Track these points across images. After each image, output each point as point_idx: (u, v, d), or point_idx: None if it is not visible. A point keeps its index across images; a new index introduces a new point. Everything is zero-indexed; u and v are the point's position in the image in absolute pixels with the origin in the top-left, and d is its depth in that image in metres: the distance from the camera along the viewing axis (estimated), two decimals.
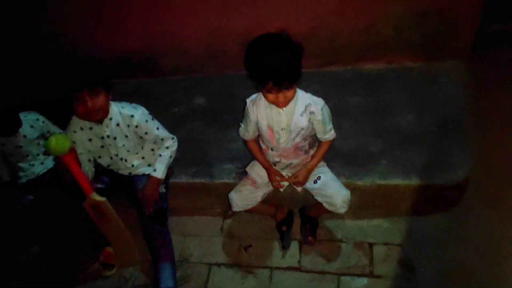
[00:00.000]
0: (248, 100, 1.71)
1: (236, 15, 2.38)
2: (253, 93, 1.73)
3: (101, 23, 2.61)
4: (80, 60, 2.67)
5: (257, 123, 1.70)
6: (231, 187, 1.94)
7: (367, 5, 2.23)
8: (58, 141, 1.62)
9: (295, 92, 1.54)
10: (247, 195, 1.86)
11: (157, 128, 1.88)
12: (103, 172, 1.97)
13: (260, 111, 1.67)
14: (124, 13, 2.55)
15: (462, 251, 1.79)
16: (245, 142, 1.86)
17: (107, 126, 1.79)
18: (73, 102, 1.64)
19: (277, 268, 1.94)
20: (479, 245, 1.79)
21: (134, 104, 1.88)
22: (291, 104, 1.60)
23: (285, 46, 1.43)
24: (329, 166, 1.88)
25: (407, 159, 1.97)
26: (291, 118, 1.62)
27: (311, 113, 1.62)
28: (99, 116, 1.72)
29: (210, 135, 2.35)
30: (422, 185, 1.88)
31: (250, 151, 1.85)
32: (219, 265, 2.01)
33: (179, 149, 2.15)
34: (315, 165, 1.78)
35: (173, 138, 1.95)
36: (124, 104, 1.85)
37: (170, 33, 2.60)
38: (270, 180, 1.81)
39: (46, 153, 2.11)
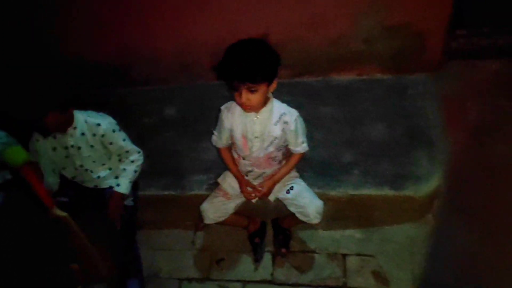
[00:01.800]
0: (223, 107, 1.69)
1: (208, 26, 2.36)
2: (225, 102, 1.70)
3: (70, 31, 2.53)
4: (47, 67, 2.58)
5: (231, 131, 1.68)
6: (202, 198, 1.89)
7: (337, 18, 2.26)
8: (11, 153, 1.58)
9: (260, 98, 1.50)
10: (219, 207, 1.82)
11: (123, 140, 1.81)
12: (67, 185, 1.88)
13: (235, 119, 1.64)
14: (93, 22, 2.49)
15: (434, 261, 1.81)
16: (218, 150, 1.82)
17: (71, 136, 1.72)
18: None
19: (250, 281, 1.91)
20: (449, 255, 1.81)
21: (101, 113, 1.82)
22: (266, 112, 1.59)
23: (257, 46, 1.43)
24: (301, 176, 1.88)
25: (378, 169, 1.99)
26: (265, 127, 1.61)
27: (285, 122, 1.61)
28: (67, 126, 1.70)
29: (182, 146, 2.30)
30: (394, 196, 1.91)
31: (223, 160, 1.81)
32: (190, 280, 1.96)
33: (149, 161, 2.09)
34: (282, 177, 1.76)
35: (139, 152, 1.88)
36: (91, 113, 1.79)
37: (141, 43, 2.55)
38: (242, 191, 1.78)
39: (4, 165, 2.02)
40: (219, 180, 1.88)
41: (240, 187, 1.79)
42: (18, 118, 1.58)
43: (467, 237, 1.81)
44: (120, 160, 1.88)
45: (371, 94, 2.34)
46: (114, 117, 1.84)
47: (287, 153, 1.77)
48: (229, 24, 2.30)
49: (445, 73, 2.36)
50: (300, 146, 1.69)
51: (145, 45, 2.55)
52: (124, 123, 1.89)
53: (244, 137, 1.66)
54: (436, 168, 1.97)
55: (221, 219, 1.84)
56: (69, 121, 1.70)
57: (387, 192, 1.91)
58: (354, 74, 2.44)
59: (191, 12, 2.34)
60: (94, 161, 1.81)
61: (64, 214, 1.68)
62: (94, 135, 1.75)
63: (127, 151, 1.85)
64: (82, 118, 1.74)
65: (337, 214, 1.98)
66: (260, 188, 1.75)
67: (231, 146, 1.79)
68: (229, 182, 1.85)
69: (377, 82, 2.40)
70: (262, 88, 1.47)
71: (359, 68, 2.43)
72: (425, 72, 2.37)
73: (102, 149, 1.80)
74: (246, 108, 1.53)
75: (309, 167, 2.00)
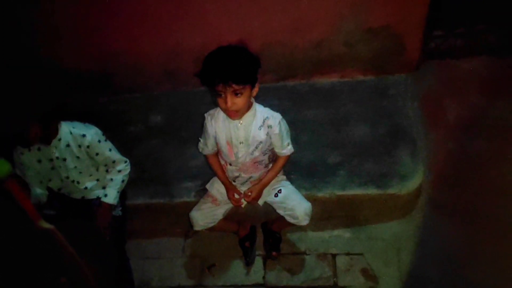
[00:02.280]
0: (206, 114, 1.70)
1: (191, 32, 2.36)
2: (211, 109, 1.71)
3: (52, 38, 2.50)
4: (28, 76, 2.54)
5: (215, 138, 1.69)
6: (191, 206, 1.89)
7: (318, 22, 2.30)
8: None
9: (245, 102, 1.51)
10: (208, 213, 1.83)
11: (109, 150, 1.80)
12: (54, 197, 1.86)
13: (219, 125, 1.65)
14: (76, 29, 2.46)
15: (419, 257, 1.86)
16: (205, 157, 1.83)
17: (56, 147, 1.70)
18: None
19: (242, 285, 1.92)
20: (434, 250, 1.86)
21: (87, 124, 1.81)
22: (249, 117, 1.60)
23: (237, 50, 1.46)
24: (289, 179, 1.90)
25: (363, 169, 2.03)
26: (249, 132, 1.62)
27: (269, 126, 1.63)
28: (51, 138, 1.68)
29: (169, 153, 2.30)
30: (379, 194, 1.95)
31: (210, 167, 1.82)
32: (182, 287, 1.95)
33: (136, 169, 2.09)
34: (270, 181, 1.78)
35: (125, 162, 1.87)
36: (76, 124, 1.77)
37: (124, 50, 2.53)
38: (229, 197, 1.79)
39: None
40: (207, 186, 1.89)
41: (227, 194, 1.80)
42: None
43: (450, 232, 1.87)
44: (107, 171, 1.87)
45: (354, 96, 2.39)
46: (98, 126, 1.83)
47: (273, 157, 1.79)
48: (213, 30, 2.31)
49: (423, 72, 2.42)
50: (286, 148, 1.71)
51: (129, 52, 2.53)
52: (109, 132, 1.87)
53: (229, 143, 1.67)
54: (419, 165, 2.02)
55: (210, 225, 1.85)
56: (53, 133, 1.68)
57: (372, 191, 1.95)
58: (337, 77, 2.49)
59: (174, 18, 2.34)
60: (80, 172, 1.79)
61: (50, 226, 1.66)
62: (79, 146, 1.74)
63: (113, 161, 1.83)
64: (67, 129, 1.72)
65: (325, 214, 2.01)
66: (249, 194, 1.76)
67: (217, 153, 1.80)
68: (217, 188, 1.85)
69: (359, 83, 2.45)
70: (246, 91, 1.48)
71: (341, 71, 2.47)
72: (404, 72, 2.43)
73: (89, 160, 1.78)
74: (231, 114, 1.54)
75: (296, 170, 2.03)
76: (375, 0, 2.19)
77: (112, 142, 1.86)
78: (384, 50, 2.36)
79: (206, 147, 1.75)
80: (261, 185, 1.77)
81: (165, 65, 2.56)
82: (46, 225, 1.65)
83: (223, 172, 1.80)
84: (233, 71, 1.41)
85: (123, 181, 1.86)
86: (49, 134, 1.67)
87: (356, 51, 2.37)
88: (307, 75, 2.52)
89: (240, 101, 1.48)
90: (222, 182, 1.81)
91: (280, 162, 1.76)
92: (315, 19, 2.29)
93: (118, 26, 2.42)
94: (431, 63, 2.42)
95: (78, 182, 1.81)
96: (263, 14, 2.29)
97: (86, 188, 1.84)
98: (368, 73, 2.46)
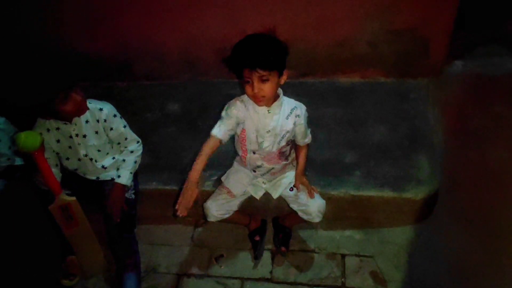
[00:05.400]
0: (235, 99, 1.65)
1: (213, 23, 2.36)
2: (228, 100, 1.69)
3: (74, 23, 2.52)
4: (48, 61, 2.56)
5: (238, 123, 1.64)
6: (203, 195, 1.89)
7: (342, 20, 2.28)
8: (28, 136, 1.56)
9: (272, 89, 1.50)
10: (223, 204, 1.81)
11: (124, 126, 1.83)
12: (69, 179, 1.88)
13: (249, 112, 1.62)
14: (99, 15, 2.48)
15: (432, 264, 1.82)
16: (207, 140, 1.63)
17: (75, 124, 1.72)
18: (59, 102, 1.58)
19: (249, 279, 1.90)
20: (448, 258, 1.82)
21: (101, 101, 1.83)
22: (277, 107, 1.60)
23: (264, 37, 1.46)
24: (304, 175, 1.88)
25: (379, 171, 2.00)
26: (278, 121, 1.62)
27: (297, 116, 1.63)
28: (80, 113, 1.71)
29: (184, 142, 2.30)
30: (394, 198, 1.92)
31: (201, 150, 1.61)
32: (188, 275, 1.95)
33: (151, 155, 2.09)
34: (304, 167, 1.79)
35: (138, 142, 1.89)
36: (91, 100, 1.79)
37: (145, 38, 2.54)
38: (184, 192, 1.55)
39: (16, 152, 2.01)
40: (223, 179, 1.86)
41: (185, 189, 1.56)
42: (28, 103, 1.56)
43: (465, 241, 1.83)
44: (120, 151, 1.89)
45: (374, 97, 2.36)
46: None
47: (291, 148, 1.79)
48: (235, 22, 2.31)
49: (447, 77, 2.38)
50: (307, 136, 1.73)
51: (149, 40, 2.55)
52: (126, 117, 1.89)
53: (256, 131, 1.65)
54: (436, 171, 1.98)
55: (224, 217, 1.83)
56: (84, 108, 1.70)
57: (388, 193, 1.92)
58: (358, 77, 2.46)
59: (197, 8, 2.34)
60: (99, 150, 1.81)
61: (72, 198, 1.68)
62: (97, 121, 1.76)
63: (126, 138, 1.85)
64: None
65: (338, 214, 1.99)
66: (299, 188, 1.76)
67: (218, 145, 1.62)
68: (232, 182, 1.82)
69: (380, 85, 2.42)
70: (273, 77, 1.47)
71: (363, 71, 2.44)
72: (427, 76, 2.39)
73: (105, 135, 1.81)
74: (258, 99, 1.52)
75: (311, 167, 2.00)
76: (402, 1, 2.16)
77: (129, 126, 1.87)
78: (408, 53, 2.32)
79: (219, 128, 1.61)
80: (301, 173, 1.78)
81: (185, 55, 2.57)
82: (67, 198, 1.67)
83: (204, 163, 1.59)
84: (259, 56, 1.41)
85: (135, 162, 1.88)
86: (81, 108, 1.68)
87: (380, 52, 2.34)
88: (327, 73, 2.49)
89: (267, 87, 1.47)
90: (192, 172, 1.56)
91: (305, 150, 1.78)
92: (340, 17, 2.26)
93: (141, 14, 2.43)
94: (455, 69, 2.38)
95: (96, 161, 1.83)
96: (288, 9, 2.27)
97: (103, 166, 1.85)
98: (390, 75, 2.43)
